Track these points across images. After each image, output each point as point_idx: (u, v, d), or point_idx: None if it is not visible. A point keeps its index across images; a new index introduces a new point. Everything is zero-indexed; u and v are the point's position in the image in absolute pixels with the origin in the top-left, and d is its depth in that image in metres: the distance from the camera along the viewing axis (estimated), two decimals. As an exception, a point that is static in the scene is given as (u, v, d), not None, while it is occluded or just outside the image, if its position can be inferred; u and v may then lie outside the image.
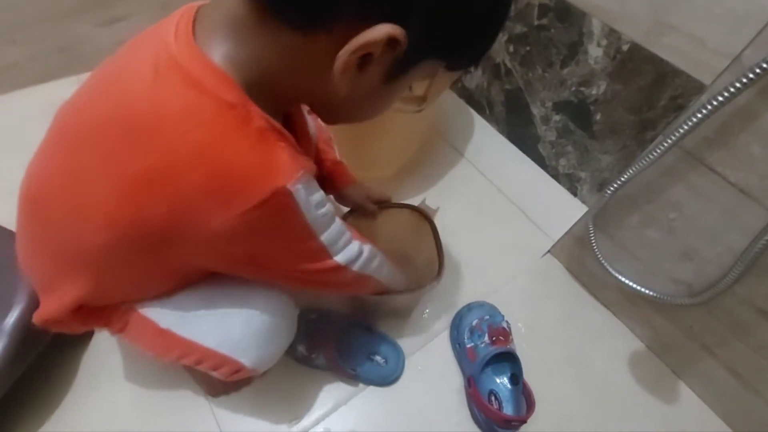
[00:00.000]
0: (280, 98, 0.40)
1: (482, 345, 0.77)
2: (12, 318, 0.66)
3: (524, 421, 0.71)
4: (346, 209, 0.82)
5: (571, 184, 1.05)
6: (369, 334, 0.79)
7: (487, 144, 1.15)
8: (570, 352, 0.86)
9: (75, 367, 0.78)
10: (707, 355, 0.78)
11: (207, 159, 0.34)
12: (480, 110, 1.19)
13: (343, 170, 0.79)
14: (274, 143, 0.37)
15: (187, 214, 0.36)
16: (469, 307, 0.84)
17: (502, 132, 1.16)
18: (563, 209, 1.03)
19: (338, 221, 0.46)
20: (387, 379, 0.77)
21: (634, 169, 0.68)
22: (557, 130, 1.01)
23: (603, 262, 0.82)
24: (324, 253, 0.45)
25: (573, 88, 0.93)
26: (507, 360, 0.78)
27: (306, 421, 0.74)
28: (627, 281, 0.79)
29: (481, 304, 0.85)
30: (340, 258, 0.47)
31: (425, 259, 0.76)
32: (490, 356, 0.75)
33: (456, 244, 0.95)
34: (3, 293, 0.67)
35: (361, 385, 0.77)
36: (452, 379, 0.80)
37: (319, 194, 0.42)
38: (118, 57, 0.41)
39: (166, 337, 0.50)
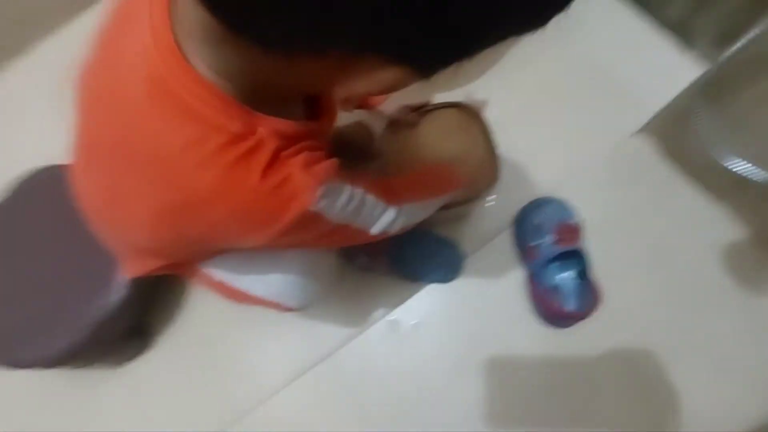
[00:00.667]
0: (286, 95, 0.38)
1: (545, 244, 0.73)
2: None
3: (584, 317, 0.70)
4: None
5: (684, 35, 0.82)
6: (426, 236, 0.79)
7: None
8: (654, 243, 0.78)
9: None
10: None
11: (224, 198, 0.35)
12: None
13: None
14: (289, 164, 0.35)
15: (222, 234, 0.39)
16: (536, 203, 0.78)
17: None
18: (668, 72, 0.83)
19: (371, 200, 0.45)
20: (446, 277, 0.79)
21: (750, 37, 0.49)
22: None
23: (710, 140, 0.67)
24: (360, 232, 0.46)
25: None
26: (574, 256, 0.74)
27: (375, 314, 0.82)
28: (741, 164, 0.65)
29: (548, 201, 0.78)
30: (377, 228, 0.47)
31: (477, 161, 0.69)
32: (552, 256, 0.72)
33: (526, 122, 0.83)
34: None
35: (422, 284, 0.81)
36: (514, 275, 0.79)
37: (346, 194, 0.41)
38: (110, 40, 0.38)
39: (223, 287, 0.57)
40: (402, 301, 0.82)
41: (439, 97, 0.74)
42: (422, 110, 0.73)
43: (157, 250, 0.47)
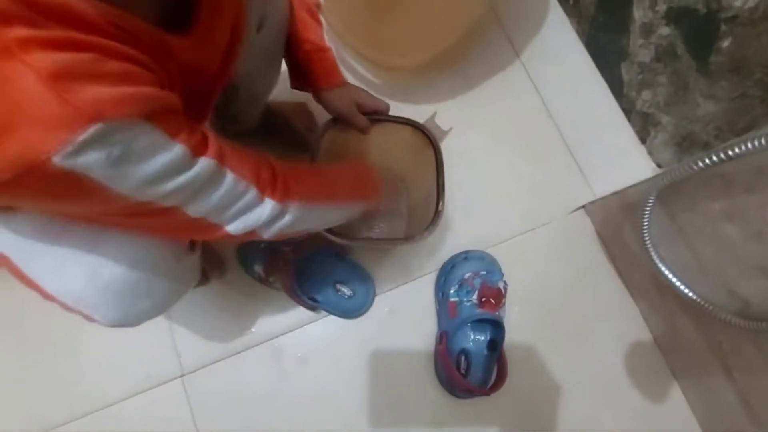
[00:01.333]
0: None
1: (468, 304, 0.66)
2: None
3: (485, 394, 0.64)
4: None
5: (644, 126, 0.81)
6: (338, 261, 0.67)
7: (556, 46, 0.87)
8: (567, 325, 0.75)
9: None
10: (723, 375, 0.66)
11: None
12: (561, -4, 0.87)
13: (328, 62, 0.57)
14: (26, 58, 0.19)
15: None
16: (466, 256, 0.71)
17: (581, 34, 0.86)
18: (621, 157, 0.81)
19: (228, 181, 0.32)
20: (351, 313, 0.68)
21: (757, 143, 0.46)
22: (657, 50, 0.73)
23: (648, 242, 0.65)
24: (201, 223, 0.32)
25: (708, -9, 0.62)
26: (491, 323, 0.68)
27: (257, 335, 0.69)
28: (669, 274, 0.63)
29: (481, 256, 0.71)
30: (234, 227, 0.34)
31: (421, 196, 0.60)
32: (471, 320, 0.64)
33: (474, 170, 0.78)
34: None
35: (323, 312, 0.69)
36: (425, 326, 0.71)
37: (167, 154, 0.26)
38: None
39: (6, 263, 0.37)
40: (293, 327, 0.69)
41: (400, 111, 0.64)
42: (377, 118, 0.62)
43: None
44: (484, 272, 0.68)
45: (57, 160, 0.20)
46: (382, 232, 0.61)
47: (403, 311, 0.71)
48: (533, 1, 0.88)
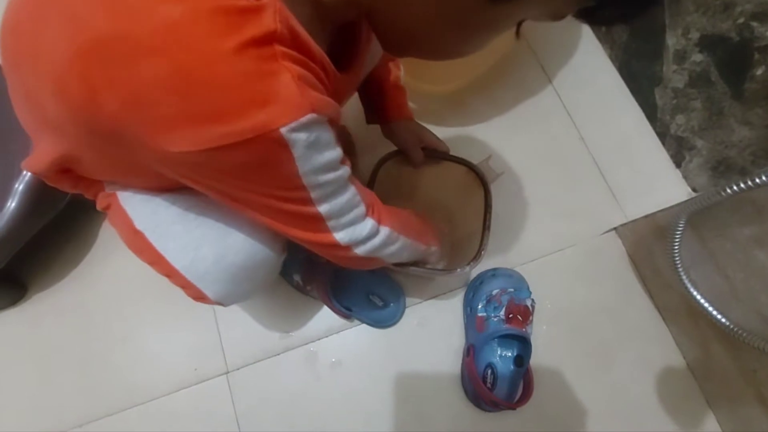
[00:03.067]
0: (330, 6, 0.33)
1: (495, 319, 0.68)
2: (25, 179, 0.65)
3: (513, 408, 0.66)
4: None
5: (678, 150, 0.81)
6: (371, 273, 0.72)
7: (588, 72, 0.89)
8: (595, 346, 0.75)
9: (94, 235, 0.80)
10: (759, 404, 0.64)
11: (173, 48, 0.25)
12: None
13: (401, 98, 0.64)
14: (283, 63, 0.27)
15: (145, 108, 0.27)
16: (494, 273, 0.73)
17: (614, 60, 0.88)
18: (655, 181, 0.82)
19: (351, 191, 0.38)
20: (382, 322, 0.72)
21: (780, 175, 0.47)
22: (691, 76, 0.74)
23: (679, 266, 0.65)
24: (320, 224, 0.37)
25: (740, 20, 0.64)
26: (518, 339, 0.70)
27: (295, 339, 0.74)
28: (701, 299, 0.63)
29: (509, 274, 0.73)
30: (341, 236, 0.39)
31: (465, 233, 0.64)
32: (498, 335, 0.67)
33: (506, 190, 0.80)
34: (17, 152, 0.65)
35: (356, 321, 0.74)
36: (453, 339, 0.74)
37: (332, 152, 0.33)
38: None
39: (139, 239, 0.44)
40: (328, 333, 0.74)
41: (457, 151, 0.70)
42: (434, 155, 0.68)
43: (63, 124, 0.32)
44: (511, 289, 0.71)
45: (283, 130, 0.28)
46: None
47: (432, 324, 0.75)
48: (566, 28, 0.91)
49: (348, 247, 0.40)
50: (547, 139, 0.86)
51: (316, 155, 0.32)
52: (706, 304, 0.63)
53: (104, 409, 0.72)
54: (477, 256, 0.61)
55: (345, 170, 0.36)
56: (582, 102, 0.88)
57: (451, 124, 0.85)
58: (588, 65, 0.88)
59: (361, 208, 0.40)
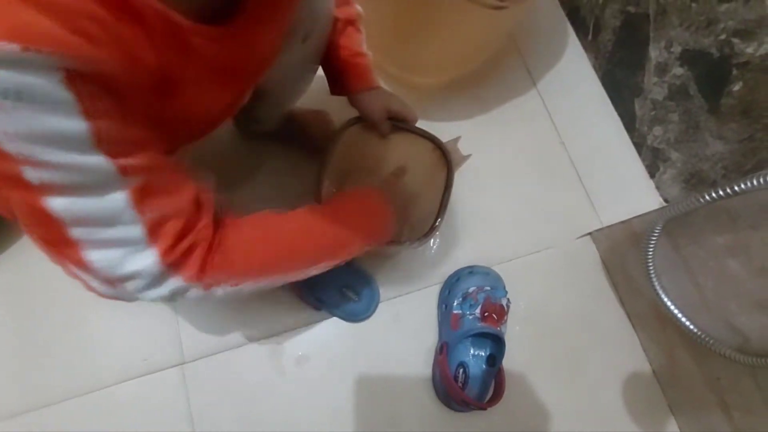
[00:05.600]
0: None
1: (470, 317, 0.67)
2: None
3: (484, 409, 0.64)
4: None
5: (653, 161, 0.83)
6: (346, 265, 0.68)
7: (572, 79, 0.90)
8: (566, 350, 0.75)
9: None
10: (721, 412, 0.66)
11: None
12: (581, 32, 0.91)
13: (363, 67, 0.59)
14: None
15: None
16: (471, 270, 0.72)
17: (597, 69, 0.90)
18: (629, 189, 0.83)
19: (121, 200, 0.28)
20: (355, 316, 0.69)
21: (762, 180, 0.48)
22: (670, 89, 0.76)
23: (652, 272, 0.66)
24: (59, 229, 0.27)
25: (722, 36, 0.65)
26: (491, 338, 0.69)
27: (259, 331, 0.69)
28: (671, 306, 0.64)
29: (486, 272, 0.72)
30: (95, 256, 0.28)
31: (425, 211, 0.61)
32: (473, 333, 0.65)
33: (485, 189, 0.80)
34: None
35: (326, 314, 0.70)
36: (426, 336, 0.72)
37: (66, 122, 0.24)
38: None
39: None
40: (295, 326, 0.70)
41: (427, 127, 0.67)
42: (401, 126, 0.64)
43: None
44: (488, 288, 0.69)
45: None
46: None
47: (406, 320, 0.72)
48: (553, 34, 0.92)
49: (113, 281, 0.30)
50: (529, 142, 0.86)
51: (26, 113, 0.23)
52: (676, 311, 0.64)
53: (41, 400, 0.64)
54: (428, 233, 0.59)
55: (98, 162, 0.26)
56: (564, 108, 0.89)
57: (435, 118, 0.84)
58: (572, 72, 0.89)
59: (136, 230, 0.29)
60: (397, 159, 0.65)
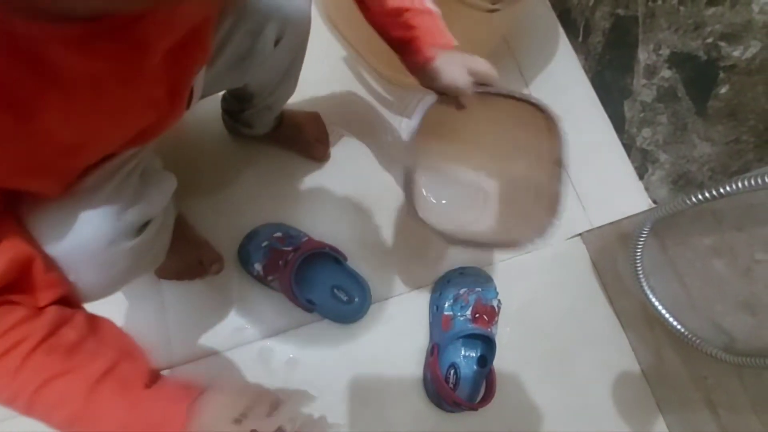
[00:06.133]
0: None
1: (461, 318, 0.67)
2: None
3: (474, 409, 0.64)
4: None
5: (642, 163, 0.84)
6: (337, 266, 0.68)
7: (563, 80, 0.90)
8: (556, 350, 0.76)
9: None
10: (708, 410, 0.67)
11: None
12: (572, 34, 0.92)
13: (431, 26, 0.48)
14: None
15: None
16: (462, 272, 0.72)
17: (588, 70, 0.90)
18: (619, 191, 0.84)
19: None
20: (346, 318, 0.69)
21: (747, 183, 0.49)
22: (659, 91, 0.77)
23: (640, 273, 0.67)
24: None
25: (709, 40, 0.66)
26: (482, 339, 0.69)
27: (249, 333, 0.69)
28: (659, 306, 0.65)
29: (477, 273, 0.73)
30: None
31: (533, 194, 0.54)
32: (464, 334, 0.65)
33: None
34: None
35: (317, 316, 0.70)
36: (417, 337, 0.72)
37: None
38: None
39: None
40: (286, 328, 0.70)
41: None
42: (486, 91, 0.52)
43: None
44: (479, 289, 0.70)
45: None
46: (486, 230, 0.55)
47: (397, 322, 0.72)
48: (545, 36, 0.93)
49: None
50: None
51: None
52: (663, 311, 0.65)
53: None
54: (551, 220, 0.50)
55: None
56: (555, 109, 0.89)
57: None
58: (563, 74, 0.90)
59: None
60: (492, 125, 0.56)
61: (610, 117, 0.88)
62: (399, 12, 0.47)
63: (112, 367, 0.32)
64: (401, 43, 0.50)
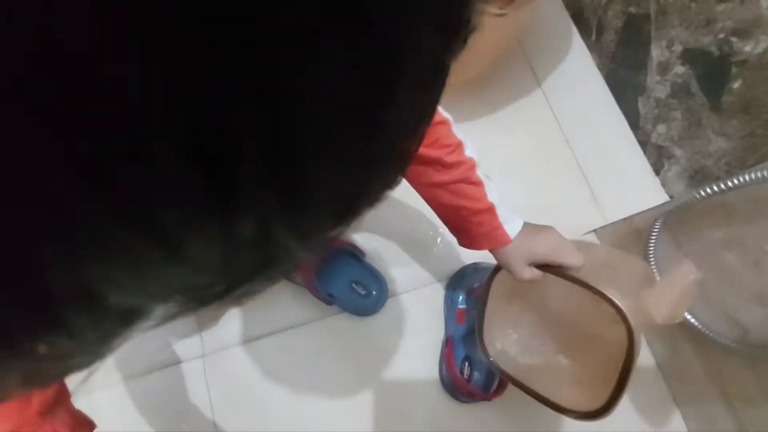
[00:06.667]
0: None
1: (474, 312, 0.69)
2: None
3: (488, 399, 0.67)
4: None
5: (658, 159, 0.84)
6: (356, 262, 0.72)
7: (576, 78, 0.91)
8: (570, 343, 0.77)
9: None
10: (722, 402, 0.67)
11: None
12: (585, 32, 0.93)
13: (485, 227, 0.50)
14: None
15: None
16: (476, 267, 0.75)
17: (601, 68, 0.91)
18: (635, 187, 0.85)
19: None
20: (364, 311, 0.73)
21: (755, 175, 0.50)
22: (672, 87, 0.77)
23: (653, 266, 0.67)
24: None
25: (721, 35, 0.67)
26: (496, 332, 0.71)
27: (275, 324, 0.73)
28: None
29: (490, 268, 0.75)
30: None
31: (591, 371, 0.55)
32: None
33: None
34: None
35: (336, 308, 0.74)
36: (432, 329, 0.75)
37: None
38: None
39: None
40: (309, 320, 0.74)
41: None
42: (556, 273, 0.51)
43: None
44: (492, 283, 0.72)
45: None
46: (544, 383, 0.57)
47: (413, 315, 0.75)
48: (557, 35, 0.94)
49: None
50: (534, 141, 0.88)
51: None
52: (678, 305, 0.66)
53: (70, 387, 0.70)
54: (600, 412, 0.50)
55: None
56: (569, 107, 0.91)
57: (442, 120, 0.86)
58: (576, 72, 0.91)
59: None
60: (558, 305, 0.60)
61: (625, 114, 0.88)
62: (455, 208, 0.49)
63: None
64: (458, 231, 0.53)
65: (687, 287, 0.49)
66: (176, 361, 0.72)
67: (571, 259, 0.51)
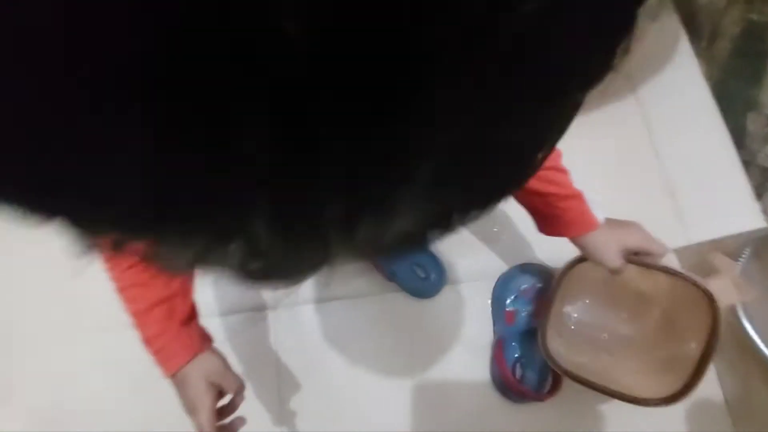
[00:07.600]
0: None
1: (524, 314, 0.70)
2: None
3: (541, 400, 0.67)
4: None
5: (762, 182, 0.77)
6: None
7: (678, 86, 0.85)
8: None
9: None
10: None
11: None
12: (696, 37, 0.86)
13: (573, 211, 0.51)
14: None
15: None
16: (529, 268, 0.74)
17: (708, 78, 0.84)
18: (729, 209, 0.78)
19: None
20: (421, 293, 0.76)
21: None
22: (791, 104, 0.70)
23: (741, 293, 0.63)
24: None
25: None
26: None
27: (336, 291, 0.79)
28: (754, 335, 0.61)
29: (538, 270, 0.74)
30: None
31: (668, 354, 0.57)
32: (527, 328, 0.69)
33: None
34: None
35: (396, 286, 0.78)
36: (483, 323, 0.76)
37: None
38: None
39: None
40: (371, 293, 0.79)
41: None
42: (637, 261, 0.54)
43: None
44: (540, 285, 0.72)
45: None
46: (605, 376, 0.59)
47: (468, 305, 0.77)
48: (663, 38, 0.88)
49: None
50: (620, 148, 0.84)
51: None
52: (758, 340, 0.61)
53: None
54: (676, 397, 0.51)
55: None
56: (664, 115, 0.85)
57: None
58: (678, 79, 0.85)
59: None
60: (638, 294, 0.61)
61: (730, 130, 0.81)
62: (543, 195, 0.50)
63: (170, 297, 0.46)
64: (543, 217, 0.54)
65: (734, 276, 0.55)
66: (249, 309, 0.81)
67: (659, 247, 0.53)
